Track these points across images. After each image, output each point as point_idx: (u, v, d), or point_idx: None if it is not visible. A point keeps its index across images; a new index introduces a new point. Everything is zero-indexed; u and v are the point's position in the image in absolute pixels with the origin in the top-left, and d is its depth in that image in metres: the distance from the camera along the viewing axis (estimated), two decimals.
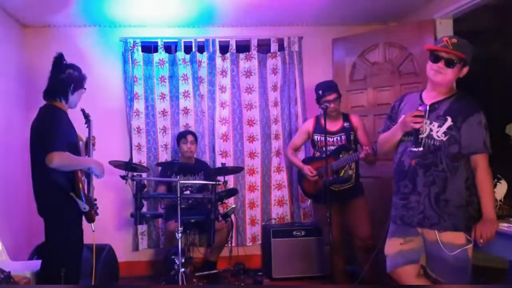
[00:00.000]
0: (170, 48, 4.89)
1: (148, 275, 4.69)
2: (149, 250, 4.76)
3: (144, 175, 4.41)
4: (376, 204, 3.99)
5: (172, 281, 3.65)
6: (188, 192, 4.25)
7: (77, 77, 2.97)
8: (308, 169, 3.84)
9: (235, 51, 4.86)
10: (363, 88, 4.58)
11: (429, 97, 2.59)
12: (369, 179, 4.12)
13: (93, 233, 2.92)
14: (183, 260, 3.56)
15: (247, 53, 4.88)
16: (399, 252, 2.61)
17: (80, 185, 2.81)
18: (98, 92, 4.46)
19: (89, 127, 3.17)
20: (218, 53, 4.83)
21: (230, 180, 4.67)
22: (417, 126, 2.49)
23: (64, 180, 2.79)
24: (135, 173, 3.89)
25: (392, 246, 2.65)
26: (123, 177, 3.61)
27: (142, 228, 4.68)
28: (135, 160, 4.56)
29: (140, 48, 4.73)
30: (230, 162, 4.75)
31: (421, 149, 2.51)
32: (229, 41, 4.85)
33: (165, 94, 4.76)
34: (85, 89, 3.05)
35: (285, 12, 4.54)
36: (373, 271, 3.73)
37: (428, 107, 2.53)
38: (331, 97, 3.76)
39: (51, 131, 2.75)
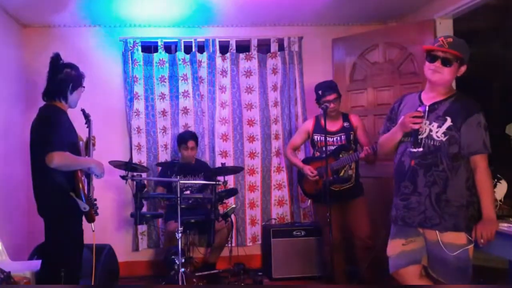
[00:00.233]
0: (170, 48, 4.89)
1: (148, 275, 4.69)
2: (149, 250, 4.76)
3: (144, 175, 4.41)
4: (376, 204, 3.99)
5: (172, 281, 3.64)
6: (188, 192, 4.25)
7: (75, 76, 2.97)
8: (308, 169, 3.84)
9: (235, 51, 4.86)
10: (363, 88, 4.58)
11: (428, 97, 2.59)
12: (369, 179, 4.11)
13: (93, 233, 2.92)
14: (183, 260, 3.56)
15: (247, 53, 4.88)
16: (401, 253, 2.61)
17: (80, 185, 2.81)
18: (98, 92, 4.47)
19: (89, 127, 3.17)
20: (218, 53, 4.83)
21: (230, 180, 4.66)
22: (416, 126, 2.49)
23: (64, 180, 2.79)
24: (135, 173, 3.89)
25: (394, 247, 2.65)
26: (123, 177, 3.61)
27: (142, 228, 4.68)
28: (135, 160, 4.56)
29: (140, 48, 4.73)
30: (230, 162, 4.75)
31: (420, 149, 2.51)
32: (229, 41, 4.85)
33: (165, 94, 4.76)
34: (84, 87, 3.04)
35: (285, 12, 4.54)
36: (373, 271, 3.74)
37: (427, 107, 2.53)
38: (331, 97, 3.75)
39: (51, 131, 2.75)
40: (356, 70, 4.64)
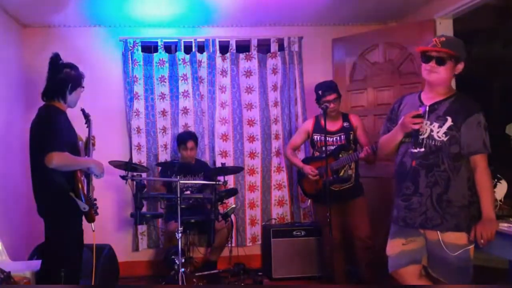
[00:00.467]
0: (170, 48, 4.89)
1: (148, 275, 4.69)
2: (149, 250, 4.76)
3: (144, 175, 4.41)
4: (376, 204, 3.99)
5: (172, 281, 3.65)
6: (188, 192, 4.25)
7: (74, 76, 2.97)
8: (309, 168, 3.84)
9: (235, 51, 4.86)
10: (363, 88, 4.58)
11: (428, 98, 2.59)
12: (369, 179, 4.11)
13: (93, 233, 2.92)
14: (183, 260, 3.56)
15: (247, 53, 4.88)
16: (400, 253, 2.61)
17: (80, 185, 2.81)
18: (98, 92, 4.47)
19: (89, 127, 3.17)
20: (218, 53, 4.82)
21: (230, 180, 4.66)
22: (416, 127, 2.50)
23: (64, 180, 2.78)
24: (135, 173, 3.89)
25: (394, 247, 2.65)
26: (123, 177, 3.61)
27: (142, 228, 4.68)
28: (135, 160, 4.56)
29: (140, 48, 4.73)
30: (230, 162, 4.75)
31: (422, 149, 2.51)
32: (229, 41, 4.85)
33: (165, 94, 4.76)
34: (83, 87, 3.04)
35: (285, 12, 4.54)
36: (372, 271, 3.74)
37: (427, 107, 2.53)
38: (331, 97, 3.76)
39: (50, 131, 2.75)
40: (356, 70, 4.64)
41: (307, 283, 4.31)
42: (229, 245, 4.37)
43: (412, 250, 2.59)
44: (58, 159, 2.69)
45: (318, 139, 3.90)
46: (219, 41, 4.83)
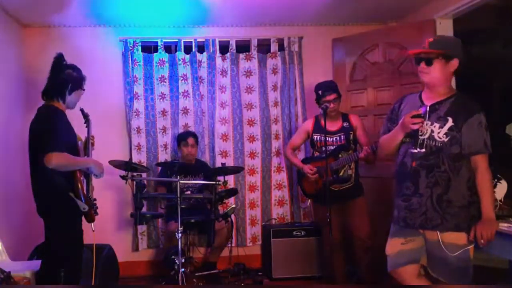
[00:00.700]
0: (170, 48, 4.89)
1: (148, 275, 4.69)
2: (149, 250, 4.76)
3: (144, 175, 4.41)
4: (376, 204, 3.99)
5: (172, 281, 3.65)
6: (188, 192, 4.25)
7: (75, 77, 2.96)
8: (308, 168, 3.85)
9: (235, 51, 4.86)
10: (363, 88, 4.58)
11: (429, 98, 2.60)
12: (369, 179, 4.11)
13: (93, 233, 2.92)
14: (183, 260, 3.56)
15: (247, 53, 4.88)
16: (399, 252, 2.61)
17: (79, 185, 2.80)
18: (98, 92, 4.47)
19: (88, 126, 3.16)
20: (218, 53, 4.83)
21: (230, 180, 4.66)
22: (415, 127, 2.50)
23: (63, 180, 2.78)
24: (135, 173, 3.89)
25: (393, 246, 2.65)
26: (123, 177, 3.61)
27: (142, 228, 4.68)
28: (135, 160, 4.55)
29: (140, 48, 4.73)
30: (230, 162, 4.75)
31: (423, 150, 2.51)
32: (229, 41, 4.85)
33: (165, 94, 4.76)
34: (84, 90, 3.04)
35: (285, 12, 4.54)
36: (372, 271, 3.74)
37: (428, 108, 2.53)
38: (331, 97, 3.76)
39: (49, 131, 2.75)
40: (356, 70, 4.64)
41: (307, 283, 4.31)
42: (229, 245, 4.37)
43: (410, 250, 2.59)
44: (58, 159, 2.69)
45: (318, 139, 3.90)
46: (219, 41, 4.83)
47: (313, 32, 4.93)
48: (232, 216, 4.38)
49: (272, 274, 4.39)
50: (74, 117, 3.04)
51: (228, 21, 4.78)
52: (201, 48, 4.83)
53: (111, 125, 4.64)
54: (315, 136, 3.93)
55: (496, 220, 2.46)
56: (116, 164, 3.72)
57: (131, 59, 4.71)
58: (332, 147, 3.80)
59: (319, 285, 4.31)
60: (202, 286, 3.89)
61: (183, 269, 3.53)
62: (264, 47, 4.94)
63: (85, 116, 3.17)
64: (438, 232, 2.48)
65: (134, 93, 4.71)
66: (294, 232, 4.46)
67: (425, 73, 2.53)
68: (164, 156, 4.75)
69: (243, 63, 4.88)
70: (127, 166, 3.65)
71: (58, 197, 2.79)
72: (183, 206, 3.63)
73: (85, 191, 2.84)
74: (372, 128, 4.39)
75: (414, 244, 2.59)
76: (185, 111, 4.77)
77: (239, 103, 4.86)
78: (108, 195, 4.56)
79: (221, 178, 3.83)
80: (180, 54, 4.76)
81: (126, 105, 4.73)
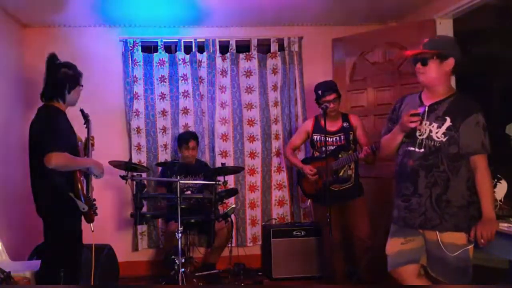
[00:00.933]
0: (170, 48, 4.89)
1: (148, 275, 4.69)
2: (149, 250, 4.76)
3: (144, 175, 4.41)
4: (376, 204, 3.99)
5: (172, 281, 3.65)
6: (189, 192, 4.25)
7: (72, 75, 2.96)
8: (308, 168, 3.85)
9: (235, 51, 4.86)
10: (363, 88, 4.58)
11: (428, 98, 2.60)
12: (369, 179, 4.11)
13: (92, 233, 2.92)
14: (183, 260, 3.56)
15: (247, 53, 4.88)
16: (399, 252, 2.62)
17: (79, 186, 2.80)
18: (98, 92, 4.48)
19: (88, 127, 3.15)
20: (218, 53, 4.82)
21: (230, 180, 4.66)
22: (413, 125, 2.51)
23: (63, 180, 2.78)
24: (135, 173, 3.89)
25: (393, 246, 2.65)
26: (123, 177, 3.61)
27: (142, 228, 4.68)
28: (134, 160, 4.56)
29: (140, 48, 4.73)
30: (230, 162, 4.74)
31: (422, 150, 2.51)
32: (229, 41, 4.85)
33: (165, 94, 4.76)
34: (82, 86, 3.03)
35: (285, 12, 4.54)
36: (372, 271, 3.74)
37: (427, 107, 2.54)
38: (331, 97, 3.76)
39: (49, 131, 2.75)
40: (356, 70, 4.64)
41: (307, 283, 4.31)
42: (229, 245, 4.37)
43: (410, 250, 2.59)
44: (58, 160, 2.69)
45: (318, 139, 3.90)
46: (219, 41, 4.83)
47: (313, 32, 4.93)
48: (232, 216, 4.38)
49: (272, 274, 4.39)
50: (74, 118, 3.04)
51: (228, 21, 4.78)
52: (201, 48, 4.83)
53: (111, 125, 4.64)
54: (315, 136, 3.93)
55: (496, 220, 2.46)
56: (116, 164, 3.72)
57: (131, 59, 4.71)
58: (332, 147, 3.80)
59: (319, 285, 4.31)
60: (202, 286, 3.89)
61: (183, 269, 3.53)
62: (264, 47, 4.94)
63: (85, 117, 3.17)
64: (437, 232, 2.48)
65: (134, 93, 4.71)
66: (294, 232, 4.46)
67: (421, 73, 2.55)
68: (164, 156, 4.75)
69: (243, 63, 4.88)
70: (127, 166, 3.65)
71: (58, 197, 2.78)
72: (183, 206, 3.63)
73: (85, 191, 2.84)
74: (372, 128, 4.39)
75: (414, 244, 2.59)
76: (185, 111, 4.77)
77: (239, 103, 4.86)
78: (108, 195, 4.56)
79: (221, 178, 3.82)
80: (180, 54, 4.75)
81: (126, 105, 4.73)
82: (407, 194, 2.57)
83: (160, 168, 4.55)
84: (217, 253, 4.39)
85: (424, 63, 2.52)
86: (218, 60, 4.82)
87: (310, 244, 4.41)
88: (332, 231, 3.51)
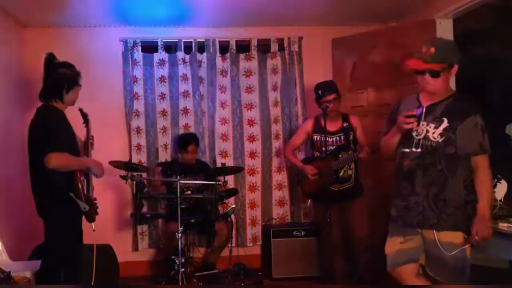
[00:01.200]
0: (170, 48, 4.89)
1: (148, 275, 4.69)
2: (149, 250, 4.76)
3: (144, 175, 4.41)
4: (376, 204, 3.99)
5: (172, 281, 3.65)
6: (189, 192, 4.25)
7: (70, 75, 2.95)
8: (309, 168, 3.85)
9: (235, 51, 4.86)
10: (363, 88, 4.58)
11: (426, 99, 2.60)
12: (369, 179, 4.11)
13: (93, 233, 2.92)
14: (183, 260, 3.56)
15: (247, 53, 4.88)
16: (398, 251, 2.62)
17: (80, 185, 2.80)
18: (98, 92, 4.47)
19: (87, 126, 3.15)
20: (218, 53, 4.82)
21: (230, 180, 4.66)
22: (408, 126, 2.51)
23: (63, 180, 2.78)
24: (135, 173, 3.89)
25: (392, 245, 2.66)
26: (123, 177, 3.61)
27: (142, 228, 4.68)
28: (134, 160, 4.56)
29: (140, 48, 4.73)
30: (230, 162, 4.74)
31: (419, 150, 2.52)
32: (229, 41, 4.85)
33: (165, 94, 4.76)
34: (80, 86, 3.02)
35: (285, 12, 4.53)
36: (372, 271, 3.74)
37: (424, 109, 2.54)
38: (331, 97, 3.76)
39: (48, 131, 2.75)
40: (356, 70, 4.63)
41: (307, 283, 4.31)
42: (229, 245, 4.37)
43: (409, 249, 2.60)
44: (57, 160, 2.69)
45: (318, 139, 3.90)
46: (219, 41, 4.83)
47: (313, 32, 4.93)
48: (232, 216, 4.39)
49: (272, 274, 4.39)
50: (73, 117, 3.03)
51: (228, 21, 4.77)
52: (201, 48, 4.83)
53: (111, 125, 4.64)
54: (315, 137, 3.93)
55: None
56: (116, 164, 3.72)
57: (131, 59, 4.70)
58: (332, 147, 3.80)
59: (319, 285, 4.31)
60: (202, 286, 3.89)
61: (183, 269, 3.53)
62: (264, 47, 4.94)
63: (84, 116, 3.16)
64: (434, 231, 2.49)
65: (134, 93, 4.71)
66: (294, 232, 4.46)
67: (430, 84, 2.50)
68: (164, 156, 4.75)
69: (243, 63, 4.87)
70: (127, 166, 3.65)
71: (58, 197, 2.78)
72: (183, 206, 3.63)
73: (85, 191, 2.84)
74: (372, 128, 4.38)
75: (413, 243, 2.60)
76: (185, 111, 4.76)
77: (239, 103, 4.86)
78: (108, 195, 4.56)
79: (221, 178, 3.82)
80: (180, 54, 4.75)
81: (126, 105, 4.73)
82: (405, 194, 2.58)
83: (160, 168, 4.55)
84: (217, 253, 4.39)
85: (436, 76, 2.48)
86: (218, 60, 4.82)
87: (310, 244, 4.41)
88: (332, 231, 3.51)
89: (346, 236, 3.89)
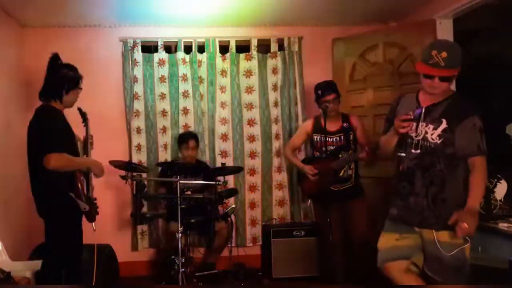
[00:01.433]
0: (170, 48, 4.89)
1: (148, 275, 4.69)
2: (149, 250, 4.76)
3: (144, 175, 4.41)
4: (376, 204, 3.98)
5: (172, 281, 3.65)
6: (189, 192, 4.25)
7: (72, 77, 2.96)
8: (309, 168, 3.85)
9: (235, 51, 4.86)
10: (363, 88, 4.59)
11: (426, 99, 2.60)
12: (369, 179, 4.11)
13: (93, 233, 2.92)
14: (183, 260, 3.56)
15: (247, 53, 4.88)
16: (392, 247, 2.63)
17: (79, 185, 2.81)
18: (98, 92, 4.47)
19: (86, 126, 3.15)
20: (218, 53, 4.82)
21: (230, 180, 4.66)
22: (403, 130, 2.51)
23: (63, 180, 2.78)
24: (135, 173, 3.89)
25: (387, 241, 2.67)
26: (123, 177, 3.61)
27: (142, 228, 4.68)
28: (134, 160, 4.56)
29: (140, 48, 4.73)
30: (230, 162, 4.74)
31: (418, 151, 2.52)
32: (229, 41, 4.85)
33: (165, 94, 4.76)
34: (81, 89, 3.03)
35: (285, 12, 4.54)
36: (372, 271, 3.74)
37: (423, 109, 2.54)
38: (330, 97, 3.76)
39: (48, 132, 2.75)
40: (356, 70, 4.64)
41: (307, 283, 4.31)
42: (229, 245, 4.37)
43: (404, 246, 2.60)
44: (57, 160, 2.69)
45: (318, 139, 3.89)
46: (219, 41, 4.83)
47: (313, 32, 4.93)
48: (232, 216, 4.39)
49: (272, 274, 4.39)
50: (72, 117, 3.03)
51: (228, 21, 4.77)
52: (201, 48, 4.83)
53: (111, 125, 4.64)
54: (315, 137, 3.92)
55: (478, 214, 2.41)
56: (116, 164, 3.72)
57: (131, 59, 4.70)
58: (332, 147, 3.80)
59: (319, 285, 4.31)
60: (202, 286, 3.89)
61: (183, 269, 3.53)
62: (264, 47, 4.94)
63: (83, 116, 3.17)
64: (434, 231, 2.49)
65: (134, 93, 4.70)
66: (294, 232, 4.45)
67: (439, 87, 2.48)
68: (164, 156, 4.75)
69: (243, 63, 4.87)
70: (127, 166, 3.65)
71: (58, 198, 2.79)
72: (183, 206, 3.63)
73: (85, 191, 2.84)
74: (372, 128, 4.39)
75: (408, 241, 2.60)
76: (185, 111, 4.76)
77: (239, 103, 4.86)
78: (108, 195, 4.56)
79: (221, 178, 3.82)
80: (180, 54, 4.75)
81: (126, 105, 4.73)
82: (404, 194, 2.59)
83: (159, 168, 4.55)
84: (217, 253, 4.39)
85: (447, 80, 2.46)
86: (218, 60, 4.82)
87: (310, 244, 4.40)
88: (332, 231, 3.51)
89: (346, 236, 3.89)
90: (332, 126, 3.82)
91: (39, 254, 3.72)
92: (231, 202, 4.66)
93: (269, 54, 4.90)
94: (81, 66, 3.07)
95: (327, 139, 3.73)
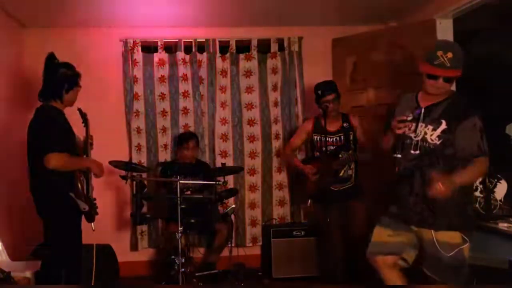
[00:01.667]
0: (170, 48, 4.89)
1: (148, 275, 4.69)
2: (149, 250, 4.76)
3: (144, 175, 4.41)
4: (376, 204, 3.98)
5: (172, 281, 3.65)
6: (189, 192, 4.25)
7: (70, 75, 2.96)
8: (309, 168, 3.85)
9: (235, 51, 4.86)
10: (363, 88, 4.58)
11: (425, 99, 2.60)
12: (369, 180, 4.11)
13: (93, 233, 2.92)
14: (183, 260, 3.56)
15: (247, 53, 4.87)
16: (384, 242, 2.65)
17: (79, 185, 2.81)
18: (98, 92, 4.47)
19: (86, 126, 3.15)
20: (218, 53, 4.82)
21: (230, 180, 4.66)
22: (399, 131, 2.51)
23: (63, 180, 2.78)
24: (135, 173, 3.89)
25: (379, 235, 2.69)
26: (123, 177, 3.61)
27: (142, 228, 4.68)
28: (134, 160, 4.56)
29: (140, 48, 4.73)
30: (230, 162, 4.74)
31: (417, 152, 2.52)
32: (229, 41, 4.85)
33: (165, 94, 4.76)
34: (80, 86, 3.03)
35: (285, 12, 4.54)
36: (372, 271, 3.74)
37: (423, 110, 2.54)
38: (330, 97, 3.76)
39: (48, 132, 2.75)
40: (356, 70, 4.64)
41: (307, 283, 4.31)
42: (229, 245, 4.37)
43: (395, 242, 2.62)
44: (57, 160, 2.69)
45: (318, 139, 3.90)
46: (219, 41, 4.83)
47: (313, 32, 4.92)
48: (232, 216, 4.39)
49: (272, 274, 4.39)
50: (72, 117, 3.03)
51: (228, 21, 4.77)
52: (201, 48, 4.83)
53: (111, 125, 4.63)
54: (315, 137, 3.93)
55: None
56: (116, 164, 3.72)
57: (131, 59, 4.70)
58: (332, 147, 3.80)
59: (319, 285, 4.31)
60: (202, 286, 3.89)
61: (183, 269, 3.52)
62: (264, 47, 4.94)
63: (83, 116, 3.17)
64: (432, 231, 2.50)
65: (134, 93, 4.70)
66: (294, 232, 4.46)
67: (440, 88, 2.48)
68: (164, 156, 4.75)
69: (243, 63, 4.87)
70: (127, 166, 3.65)
71: (58, 197, 2.79)
72: (183, 206, 3.63)
73: (85, 191, 2.85)
74: (372, 128, 4.38)
75: (400, 238, 2.62)
76: (185, 111, 4.76)
77: (239, 103, 4.86)
78: (108, 195, 4.56)
79: (221, 178, 3.82)
80: (180, 54, 4.75)
81: (126, 105, 4.73)
82: (404, 194, 2.59)
83: (159, 168, 4.55)
84: (217, 253, 4.39)
85: (449, 81, 2.47)
86: (218, 60, 4.82)
87: (310, 244, 4.40)
88: (332, 231, 3.51)
89: (346, 236, 3.89)
90: (332, 126, 3.83)
91: (39, 254, 3.72)
92: (231, 202, 4.66)
93: (269, 54, 4.90)
94: (81, 66, 3.08)
95: (327, 139, 3.73)
